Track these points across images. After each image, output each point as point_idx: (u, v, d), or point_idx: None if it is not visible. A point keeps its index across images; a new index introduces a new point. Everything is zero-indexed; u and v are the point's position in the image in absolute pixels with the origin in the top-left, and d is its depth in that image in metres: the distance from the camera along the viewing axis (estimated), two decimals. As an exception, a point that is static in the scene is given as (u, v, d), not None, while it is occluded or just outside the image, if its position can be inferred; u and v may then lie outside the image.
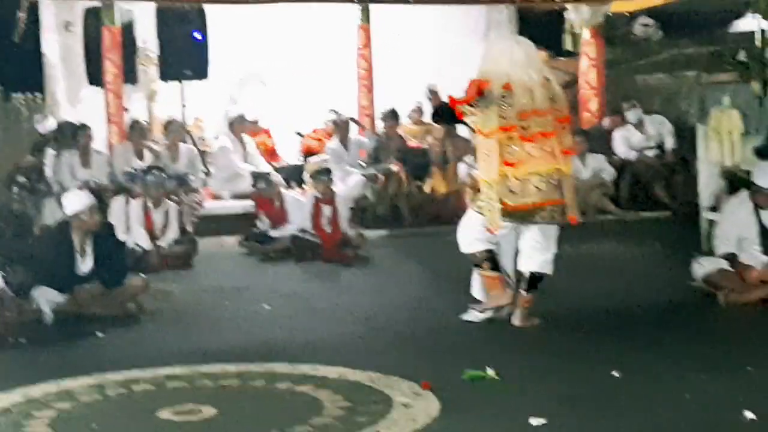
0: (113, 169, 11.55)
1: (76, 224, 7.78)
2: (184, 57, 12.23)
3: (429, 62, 14.09)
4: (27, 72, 13.31)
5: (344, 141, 12.37)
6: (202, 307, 8.10)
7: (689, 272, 7.73)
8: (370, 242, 10.57)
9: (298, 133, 13.65)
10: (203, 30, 12.30)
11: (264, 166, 12.29)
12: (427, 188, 12.14)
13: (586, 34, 13.55)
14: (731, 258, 7.54)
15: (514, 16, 14.49)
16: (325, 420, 5.04)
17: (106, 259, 7.79)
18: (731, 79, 10.92)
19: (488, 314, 7.05)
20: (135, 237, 9.80)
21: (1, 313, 7.19)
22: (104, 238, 7.89)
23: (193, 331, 7.25)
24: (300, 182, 12.23)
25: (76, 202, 7.89)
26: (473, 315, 7.10)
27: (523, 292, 6.94)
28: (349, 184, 11.75)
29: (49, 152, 11.47)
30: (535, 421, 4.86)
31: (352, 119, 12.70)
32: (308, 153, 13.14)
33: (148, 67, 12.93)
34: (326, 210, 10.24)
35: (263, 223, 10.64)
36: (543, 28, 12.86)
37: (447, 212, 11.17)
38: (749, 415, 4.85)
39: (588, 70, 13.55)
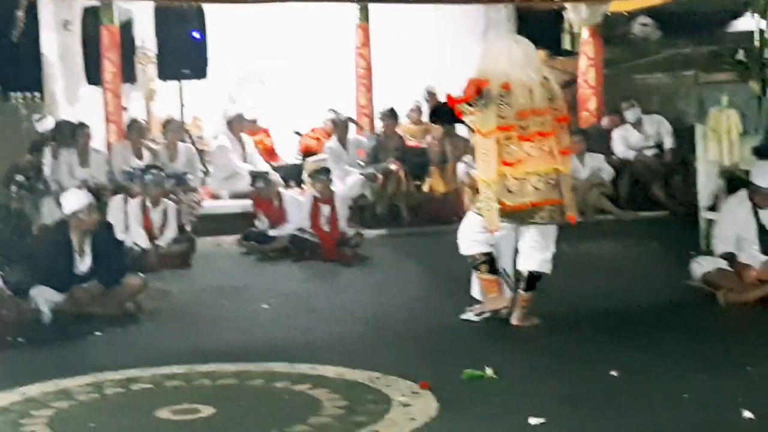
0: (112, 168, 11.55)
1: (75, 223, 7.77)
2: (183, 56, 12.21)
3: (428, 61, 14.10)
4: (25, 71, 13.29)
5: (343, 140, 12.36)
6: (201, 306, 8.10)
7: (688, 272, 7.73)
8: (369, 241, 10.57)
9: (297, 133, 13.66)
10: (202, 29, 12.29)
11: (263, 166, 12.28)
12: (425, 188, 12.13)
13: (584, 34, 13.53)
14: (730, 257, 7.54)
15: (513, 15, 14.49)
16: (323, 419, 5.04)
17: (104, 259, 7.78)
18: (730, 78, 10.93)
19: (485, 316, 7.04)
20: (133, 236, 9.79)
21: (-1, 312, 7.20)
22: (103, 237, 7.88)
23: (191, 331, 7.24)
24: (299, 181, 12.23)
25: (74, 201, 7.89)
26: (471, 315, 7.10)
27: (521, 292, 6.94)
28: (347, 183, 11.74)
29: (48, 151, 11.46)
30: (533, 421, 4.86)
31: (350, 119, 12.70)
32: (307, 152, 13.15)
33: (147, 66, 12.93)
34: (325, 209, 10.24)
35: (262, 223, 10.63)
36: (542, 28, 12.84)
37: (446, 211, 11.18)
38: (748, 414, 4.85)
39: (587, 69, 13.54)
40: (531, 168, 6.74)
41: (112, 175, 11.43)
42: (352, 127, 12.67)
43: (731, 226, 7.66)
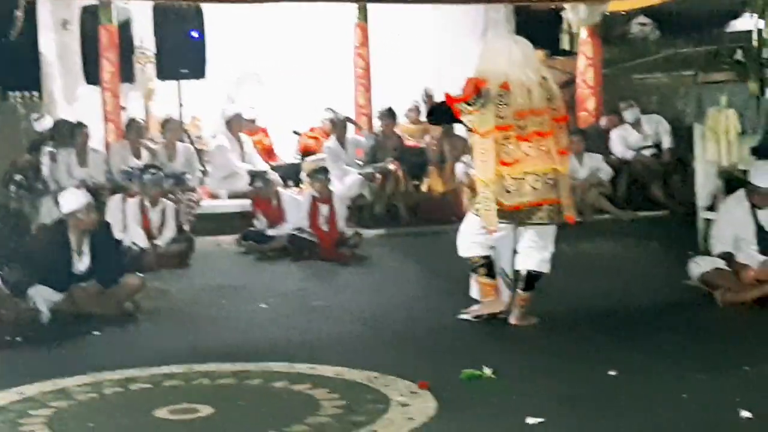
0: (110, 168, 11.53)
1: (73, 223, 7.77)
2: (182, 56, 12.21)
3: (426, 61, 14.10)
4: (24, 70, 13.27)
5: (341, 140, 12.36)
6: (199, 306, 8.09)
7: (686, 271, 7.73)
8: (367, 241, 10.57)
9: (296, 132, 13.66)
10: (200, 29, 12.28)
11: (261, 165, 12.28)
12: (424, 187, 12.14)
13: (583, 34, 13.54)
14: (728, 257, 7.55)
15: (512, 15, 14.49)
16: (322, 419, 5.03)
17: (102, 258, 7.77)
18: (728, 78, 10.95)
19: (481, 318, 7.05)
20: (132, 236, 9.79)
21: (-3, 312, 7.20)
22: (101, 236, 7.88)
23: (190, 331, 7.24)
24: (297, 181, 12.24)
25: (72, 200, 7.88)
26: (467, 316, 7.09)
27: (520, 291, 6.94)
28: (346, 183, 11.74)
29: (46, 151, 11.45)
30: (532, 421, 4.86)
31: (349, 119, 12.70)
32: (305, 152, 13.15)
33: (145, 66, 12.92)
34: (323, 209, 10.24)
35: (260, 222, 10.63)
36: (540, 28, 12.84)
37: (444, 211, 11.19)
38: (746, 414, 4.85)
39: (585, 69, 13.54)
40: (529, 168, 6.74)
41: (110, 174, 11.43)
42: (350, 126, 12.68)
43: (729, 226, 7.67)
